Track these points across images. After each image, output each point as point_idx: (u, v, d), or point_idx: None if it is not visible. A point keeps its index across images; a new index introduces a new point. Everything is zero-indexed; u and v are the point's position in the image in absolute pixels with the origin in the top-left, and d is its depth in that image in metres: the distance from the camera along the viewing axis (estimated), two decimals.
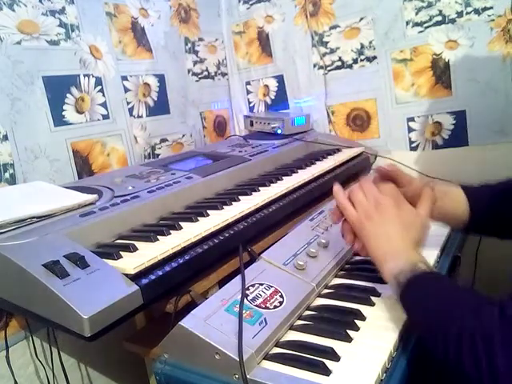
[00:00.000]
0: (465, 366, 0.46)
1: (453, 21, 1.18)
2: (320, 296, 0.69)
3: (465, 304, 0.50)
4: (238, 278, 0.66)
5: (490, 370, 0.43)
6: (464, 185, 0.73)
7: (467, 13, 1.16)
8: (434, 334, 0.51)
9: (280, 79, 1.51)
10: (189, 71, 1.40)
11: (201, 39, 1.45)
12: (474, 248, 1.04)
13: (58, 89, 1.00)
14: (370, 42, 1.31)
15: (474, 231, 0.77)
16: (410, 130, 1.29)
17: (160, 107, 1.27)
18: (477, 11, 1.14)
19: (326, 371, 0.51)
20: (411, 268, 0.57)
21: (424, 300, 0.55)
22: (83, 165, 1.05)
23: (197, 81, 1.43)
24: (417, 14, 1.22)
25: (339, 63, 1.38)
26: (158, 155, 1.26)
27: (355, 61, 1.35)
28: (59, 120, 1.00)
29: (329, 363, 0.52)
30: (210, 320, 0.57)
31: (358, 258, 0.81)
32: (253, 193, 0.87)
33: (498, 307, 0.46)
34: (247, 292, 0.63)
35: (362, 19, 1.31)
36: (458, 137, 1.22)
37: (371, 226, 0.63)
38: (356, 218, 0.65)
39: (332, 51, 1.38)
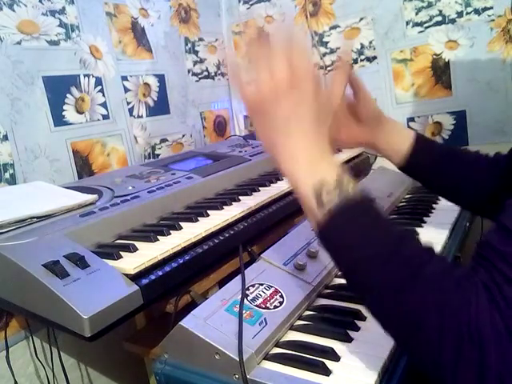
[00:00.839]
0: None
1: (453, 21, 1.18)
2: (320, 296, 0.69)
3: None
4: (238, 278, 0.66)
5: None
6: (420, 134, 0.75)
7: (467, 13, 1.16)
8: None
9: None
10: (189, 71, 1.40)
11: (201, 39, 1.45)
12: (473, 248, 1.04)
13: (58, 89, 1.00)
14: (370, 42, 1.31)
15: (408, 174, 0.78)
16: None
17: (160, 107, 1.27)
18: (477, 11, 1.14)
19: (326, 371, 0.51)
20: (335, 184, 0.44)
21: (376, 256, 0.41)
22: (83, 165, 1.05)
23: (197, 81, 1.43)
24: (417, 14, 1.22)
25: None
26: (158, 155, 1.26)
27: (355, 61, 1.35)
28: (59, 120, 1.00)
29: (329, 363, 0.52)
30: (210, 320, 0.57)
31: None
32: (253, 193, 0.87)
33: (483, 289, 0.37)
34: (247, 292, 0.63)
35: (361, 19, 1.31)
36: (458, 137, 1.22)
37: (278, 109, 0.47)
38: (254, 96, 0.48)
39: (332, 51, 1.38)
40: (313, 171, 0.45)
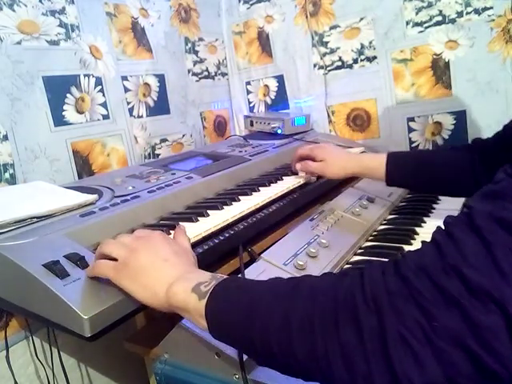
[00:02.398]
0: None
1: (453, 21, 1.18)
2: None
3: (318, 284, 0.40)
4: None
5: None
6: (391, 153, 0.89)
7: (467, 13, 1.16)
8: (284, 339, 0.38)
9: (280, 79, 1.51)
10: (189, 71, 1.40)
11: (201, 39, 1.45)
12: None
13: (58, 89, 1.00)
14: (370, 42, 1.31)
15: (396, 186, 0.95)
16: (410, 130, 1.30)
17: (160, 107, 1.27)
18: (477, 11, 1.14)
19: None
20: (211, 278, 0.47)
21: (255, 299, 0.42)
22: (83, 165, 1.05)
23: (197, 81, 1.43)
24: (417, 13, 1.22)
25: (339, 63, 1.38)
26: (158, 155, 1.26)
27: (355, 61, 1.35)
28: (59, 120, 1.00)
29: None
30: None
31: (357, 258, 0.82)
32: (253, 193, 0.87)
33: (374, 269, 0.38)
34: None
35: (362, 19, 1.31)
36: (458, 137, 1.22)
37: (140, 256, 0.51)
38: (114, 264, 0.51)
39: (332, 51, 1.38)
40: (189, 280, 0.47)
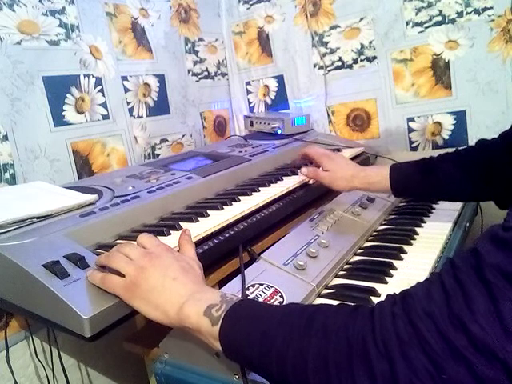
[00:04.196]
0: None
1: (453, 21, 1.18)
2: (320, 296, 0.69)
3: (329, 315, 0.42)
4: (238, 278, 0.66)
5: None
6: (393, 165, 0.88)
7: (467, 13, 1.16)
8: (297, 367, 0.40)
9: (280, 79, 1.51)
10: (189, 71, 1.40)
11: (201, 39, 1.45)
12: None
13: (58, 89, 1.00)
14: (370, 42, 1.31)
15: (402, 197, 1.01)
16: (410, 130, 1.30)
17: (160, 107, 1.27)
18: (477, 11, 1.14)
19: None
20: (221, 300, 0.48)
21: (265, 324, 0.44)
22: (83, 165, 1.05)
23: (197, 81, 1.43)
24: (417, 14, 1.22)
25: (339, 63, 1.38)
26: (158, 155, 1.26)
27: (355, 61, 1.35)
28: (59, 120, 1.00)
29: None
30: None
31: (357, 258, 0.82)
32: (253, 193, 0.87)
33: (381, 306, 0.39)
34: (247, 292, 0.63)
35: (362, 19, 1.31)
36: (458, 137, 1.22)
37: (150, 276, 0.51)
38: (124, 282, 0.52)
39: (332, 51, 1.38)
40: (199, 302, 0.48)
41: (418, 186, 0.86)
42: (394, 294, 0.40)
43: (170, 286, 0.51)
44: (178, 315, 0.48)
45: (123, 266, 0.53)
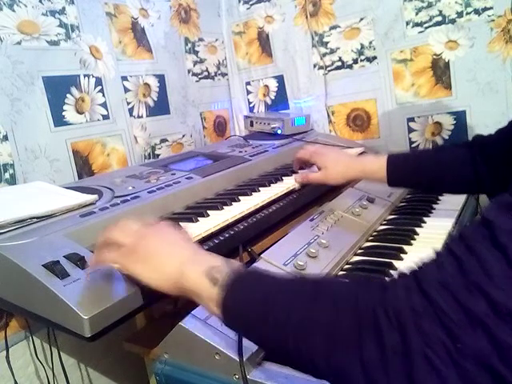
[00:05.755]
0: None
1: (453, 21, 1.18)
2: None
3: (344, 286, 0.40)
4: None
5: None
6: (390, 155, 0.88)
7: (467, 13, 1.16)
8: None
9: (280, 79, 1.52)
10: (189, 71, 1.40)
11: (201, 39, 1.45)
12: None
13: (58, 89, 1.00)
14: (370, 43, 1.31)
15: (398, 187, 0.99)
16: (410, 130, 1.30)
17: (160, 107, 1.27)
18: (477, 11, 1.14)
19: None
20: (222, 262, 0.47)
21: (274, 292, 0.42)
22: (83, 165, 1.05)
23: (197, 81, 1.43)
24: (417, 14, 1.22)
25: (339, 63, 1.38)
26: (158, 155, 1.26)
27: (355, 61, 1.35)
28: (59, 120, 1.00)
29: None
30: (210, 320, 0.57)
31: (357, 258, 0.82)
32: (253, 193, 0.87)
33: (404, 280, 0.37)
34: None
35: (362, 19, 1.31)
36: (458, 137, 1.22)
37: (149, 241, 0.51)
38: (122, 250, 0.52)
39: (332, 51, 1.38)
40: (200, 263, 0.47)
41: (413, 177, 0.87)
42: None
43: (169, 249, 0.50)
44: (178, 275, 0.47)
45: (122, 235, 0.52)
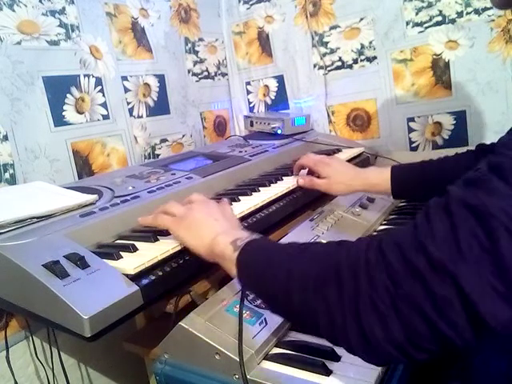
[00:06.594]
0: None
1: (453, 21, 1.18)
2: None
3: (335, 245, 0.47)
4: None
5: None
6: (394, 166, 0.89)
7: (467, 13, 1.16)
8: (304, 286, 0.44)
9: (280, 79, 1.52)
10: (189, 71, 1.40)
11: (201, 39, 1.45)
12: None
13: (58, 89, 1.00)
14: (370, 42, 1.31)
15: (402, 199, 1.03)
16: (410, 130, 1.30)
17: (160, 107, 1.27)
18: (477, 11, 1.14)
19: (326, 371, 0.51)
20: (247, 236, 0.56)
21: (277, 252, 0.51)
22: (83, 165, 1.05)
23: (197, 81, 1.43)
24: (417, 14, 1.22)
25: (339, 63, 1.38)
26: (158, 155, 1.26)
27: (355, 61, 1.35)
28: (59, 120, 1.00)
29: (329, 363, 0.52)
30: (210, 320, 0.57)
31: None
32: (253, 193, 0.87)
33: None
34: (247, 292, 0.63)
35: (362, 19, 1.31)
36: (458, 137, 1.22)
37: (196, 214, 0.64)
38: (174, 218, 0.65)
39: (332, 51, 1.38)
40: (230, 235, 0.57)
41: (417, 189, 0.87)
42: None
43: (211, 223, 0.62)
44: (211, 243, 0.58)
45: (176, 208, 0.66)
